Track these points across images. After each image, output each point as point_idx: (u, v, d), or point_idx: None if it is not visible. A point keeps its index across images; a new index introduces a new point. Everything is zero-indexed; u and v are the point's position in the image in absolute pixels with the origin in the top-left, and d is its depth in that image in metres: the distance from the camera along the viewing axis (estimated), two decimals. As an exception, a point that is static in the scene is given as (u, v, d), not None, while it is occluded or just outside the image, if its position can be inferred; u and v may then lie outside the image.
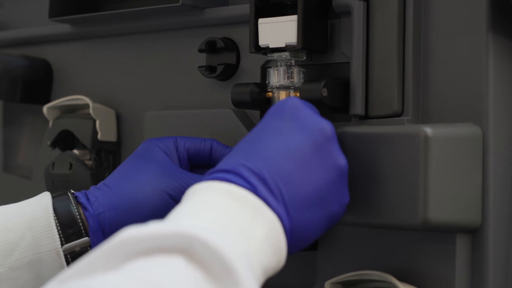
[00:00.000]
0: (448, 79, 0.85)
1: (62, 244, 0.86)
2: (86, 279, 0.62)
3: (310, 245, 0.90)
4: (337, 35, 0.92)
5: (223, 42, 1.00)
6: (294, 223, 0.76)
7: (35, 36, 1.23)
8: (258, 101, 0.94)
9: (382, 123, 0.86)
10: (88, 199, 0.89)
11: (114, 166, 1.11)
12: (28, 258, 0.85)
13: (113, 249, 0.65)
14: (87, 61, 1.17)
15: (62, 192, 0.89)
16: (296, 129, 0.80)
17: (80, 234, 0.87)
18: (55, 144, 1.14)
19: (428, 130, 0.79)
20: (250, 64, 1.00)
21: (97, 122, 1.11)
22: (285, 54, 0.92)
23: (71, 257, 0.86)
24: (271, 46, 0.91)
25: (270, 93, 0.93)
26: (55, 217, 0.86)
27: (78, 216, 0.87)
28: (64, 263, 0.85)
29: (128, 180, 0.91)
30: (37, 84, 1.21)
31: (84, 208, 0.88)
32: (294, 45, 0.89)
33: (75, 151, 1.12)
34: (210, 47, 1.01)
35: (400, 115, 0.86)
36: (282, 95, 0.92)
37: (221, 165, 0.78)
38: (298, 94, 0.91)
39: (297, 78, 0.92)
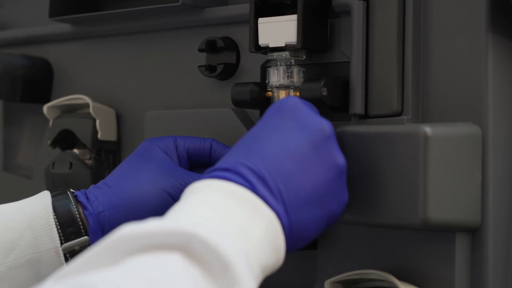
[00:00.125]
0: (448, 78, 0.85)
1: (61, 243, 0.86)
2: (84, 275, 0.62)
3: (310, 244, 0.90)
4: (337, 34, 0.92)
5: (223, 41, 1.00)
6: (292, 222, 0.77)
7: (36, 35, 1.23)
8: (258, 101, 0.94)
9: (381, 122, 0.87)
10: (87, 198, 0.89)
11: (114, 166, 1.11)
12: (28, 257, 0.85)
13: (112, 246, 0.65)
14: (87, 61, 1.18)
15: (62, 191, 0.89)
16: (295, 128, 0.80)
17: (79, 233, 0.87)
18: (55, 143, 1.14)
19: (428, 129, 0.80)
20: (250, 64, 1.00)
21: (97, 122, 1.11)
22: (285, 54, 0.92)
23: (71, 256, 0.86)
24: (271, 45, 0.91)
25: (270, 93, 0.93)
26: (55, 216, 0.86)
27: (78, 215, 0.87)
28: (64, 262, 0.86)
29: (128, 179, 0.91)
30: (37, 83, 1.21)
31: (84, 207, 0.88)
32: (294, 45, 0.89)
33: (75, 151, 1.12)
34: (210, 47, 1.01)
35: (399, 114, 0.86)
36: (282, 94, 0.92)
37: (220, 163, 0.78)
38: (298, 94, 0.91)
39: (297, 77, 0.92)
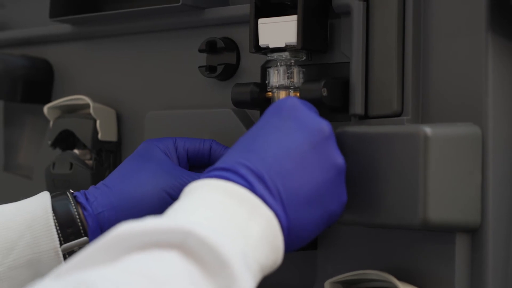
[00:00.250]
0: (448, 79, 0.85)
1: (61, 244, 0.86)
2: (83, 272, 0.62)
3: (310, 245, 0.90)
4: (337, 35, 0.93)
5: (223, 42, 1.00)
6: (291, 221, 0.77)
7: (36, 36, 1.23)
8: (258, 101, 0.94)
9: (381, 123, 0.87)
10: (87, 199, 0.89)
11: (115, 166, 1.11)
12: (27, 257, 0.85)
13: (110, 244, 0.65)
14: (87, 61, 1.18)
15: (62, 192, 0.89)
16: (294, 128, 0.80)
17: (79, 234, 0.87)
18: (55, 144, 1.14)
19: (428, 129, 0.80)
20: (250, 64, 1.00)
21: (98, 122, 1.11)
22: (285, 54, 0.92)
23: (70, 256, 0.86)
24: (271, 46, 0.91)
25: (270, 93, 0.93)
26: (54, 217, 0.86)
27: (77, 216, 0.87)
28: (63, 263, 0.86)
29: (128, 179, 0.91)
30: (38, 84, 1.21)
31: (83, 208, 0.88)
32: (294, 45, 0.89)
33: (76, 151, 1.12)
34: (211, 47, 1.01)
35: (399, 115, 0.86)
36: (282, 95, 0.92)
37: (219, 163, 0.78)
38: (298, 94, 0.91)
39: (297, 78, 0.92)
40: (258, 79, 0.98)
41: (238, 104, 0.95)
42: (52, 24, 1.18)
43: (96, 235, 0.88)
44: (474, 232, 0.83)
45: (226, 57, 1.01)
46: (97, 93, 1.15)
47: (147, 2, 1.06)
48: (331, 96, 0.89)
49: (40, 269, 0.85)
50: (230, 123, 0.99)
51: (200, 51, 1.02)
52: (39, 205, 0.87)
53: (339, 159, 0.81)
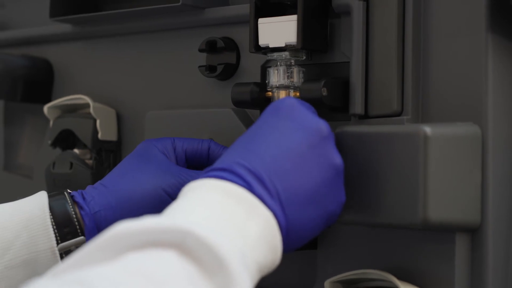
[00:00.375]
0: (448, 78, 0.85)
1: (58, 243, 0.86)
2: (81, 271, 0.62)
3: (310, 244, 0.90)
4: (337, 34, 0.93)
5: (223, 41, 1.01)
6: (290, 221, 0.77)
7: (36, 36, 1.23)
8: (258, 101, 0.94)
9: (381, 122, 0.87)
10: (84, 198, 0.89)
11: (115, 166, 1.11)
12: (24, 257, 0.85)
13: (108, 242, 0.65)
14: (87, 61, 1.18)
15: (59, 192, 0.89)
16: (292, 127, 0.80)
17: (75, 233, 0.87)
18: (55, 143, 1.14)
19: (428, 129, 0.80)
20: (250, 64, 1.00)
21: (98, 122, 1.11)
22: (285, 54, 0.92)
23: (67, 256, 0.86)
24: (271, 45, 0.91)
25: (270, 93, 0.93)
26: (51, 216, 0.86)
27: (74, 215, 0.87)
28: (60, 262, 0.85)
29: (125, 179, 0.91)
30: (38, 83, 1.22)
31: (80, 207, 0.88)
32: (294, 45, 0.90)
33: (76, 151, 1.12)
34: (211, 47, 1.01)
35: (399, 114, 0.87)
36: (282, 94, 0.92)
37: (217, 163, 0.78)
38: (298, 94, 0.91)
39: (297, 77, 0.92)
40: (258, 79, 0.98)
41: (238, 103, 0.95)
42: (52, 24, 1.18)
43: (93, 234, 0.88)
44: (474, 232, 0.83)
45: (226, 56, 1.01)
46: (97, 92, 1.15)
47: (147, 2, 1.06)
48: (331, 95, 0.89)
49: (37, 269, 0.85)
50: (230, 123, 0.99)
51: (200, 50, 1.02)
52: (36, 205, 0.87)
53: (337, 159, 0.80)
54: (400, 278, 0.84)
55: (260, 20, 0.92)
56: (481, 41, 0.83)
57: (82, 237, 0.87)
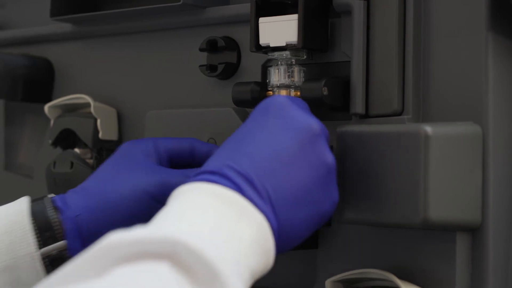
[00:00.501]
0: (448, 78, 0.85)
1: (39, 248, 0.84)
2: (70, 287, 0.61)
3: (310, 243, 0.90)
4: (338, 34, 0.93)
5: (224, 41, 1.01)
6: (282, 223, 0.76)
7: (37, 35, 1.23)
8: (259, 100, 0.93)
9: (382, 122, 0.87)
10: (65, 202, 0.88)
11: (115, 165, 1.11)
12: (5, 263, 0.83)
13: (98, 255, 0.63)
14: (88, 60, 1.18)
15: (40, 197, 0.88)
16: (282, 126, 0.79)
17: (56, 238, 0.85)
18: (56, 143, 1.14)
19: (428, 128, 0.80)
20: (250, 63, 1.00)
21: (98, 121, 1.11)
22: (286, 53, 0.92)
23: (49, 261, 0.85)
24: (271, 45, 0.91)
25: (271, 92, 0.93)
26: (33, 221, 0.85)
27: (55, 220, 0.86)
28: (41, 267, 0.84)
29: (106, 181, 0.89)
30: (39, 83, 1.22)
31: (61, 212, 0.87)
32: (294, 44, 0.90)
33: (76, 150, 1.12)
34: (211, 46, 1.01)
35: (400, 114, 0.87)
36: (283, 94, 0.92)
37: (206, 166, 0.77)
38: (298, 93, 0.91)
39: (297, 77, 0.92)
40: (258, 78, 0.99)
41: (239, 103, 0.95)
42: (53, 23, 1.18)
43: (75, 238, 0.86)
44: (474, 231, 0.83)
45: (227, 56, 1.01)
46: (98, 92, 1.15)
47: (148, 1, 1.06)
48: (332, 95, 0.89)
49: (19, 274, 0.84)
50: (230, 122, 0.99)
51: (201, 50, 1.02)
52: (17, 210, 0.86)
53: (329, 157, 0.79)
54: (401, 277, 0.84)
55: (261, 20, 0.92)
56: (482, 41, 0.83)
57: (62, 242, 0.85)
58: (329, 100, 0.89)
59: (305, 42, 0.89)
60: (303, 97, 0.89)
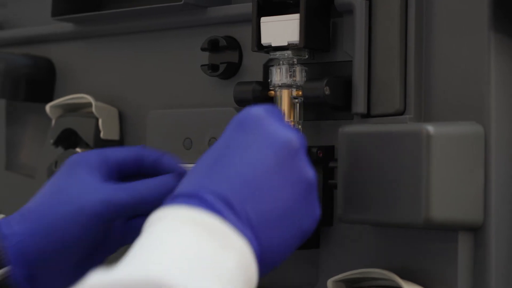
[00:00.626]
0: (450, 77, 0.85)
1: None
2: None
3: (312, 243, 0.90)
4: (340, 33, 0.93)
5: (226, 40, 1.01)
6: (263, 245, 0.72)
7: (38, 35, 1.23)
8: (261, 100, 0.94)
9: (384, 121, 0.87)
10: (10, 226, 0.85)
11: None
12: None
13: None
14: (89, 60, 1.18)
15: None
16: (259, 144, 0.75)
17: (0, 264, 0.82)
18: (58, 142, 1.14)
19: (430, 128, 0.80)
20: (252, 63, 1.00)
21: (100, 121, 1.11)
22: (288, 53, 0.92)
23: None
24: (273, 44, 0.91)
25: (273, 92, 0.93)
26: None
27: None
28: None
29: (46, 204, 0.85)
30: (40, 82, 1.22)
31: (5, 237, 0.83)
32: (296, 44, 0.90)
33: (78, 150, 1.12)
34: (213, 46, 1.01)
35: (402, 113, 0.87)
36: (285, 93, 0.92)
37: (183, 187, 0.73)
38: (300, 93, 0.91)
39: (299, 76, 0.92)
40: (260, 78, 0.99)
41: (241, 102, 0.95)
42: (54, 23, 1.18)
43: (19, 263, 0.83)
44: (476, 231, 0.83)
45: (228, 55, 1.01)
46: (99, 92, 1.15)
47: (149, 1, 1.06)
48: (334, 94, 0.89)
49: None
50: (232, 122, 0.99)
51: (202, 49, 1.02)
52: None
53: (309, 173, 0.76)
54: (403, 277, 0.84)
55: (263, 19, 0.92)
56: (484, 40, 0.83)
57: (6, 268, 0.82)
58: (331, 100, 0.89)
59: (307, 42, 0.89)
60: (305, 97, 0.89)
